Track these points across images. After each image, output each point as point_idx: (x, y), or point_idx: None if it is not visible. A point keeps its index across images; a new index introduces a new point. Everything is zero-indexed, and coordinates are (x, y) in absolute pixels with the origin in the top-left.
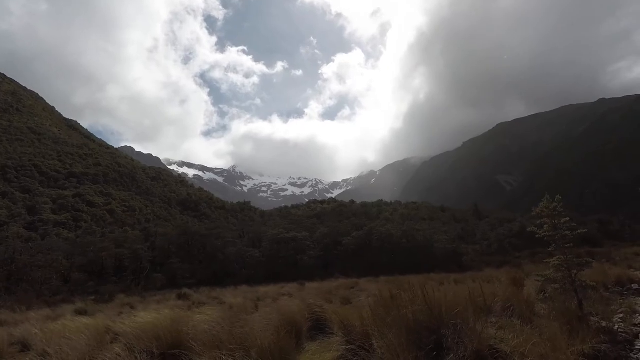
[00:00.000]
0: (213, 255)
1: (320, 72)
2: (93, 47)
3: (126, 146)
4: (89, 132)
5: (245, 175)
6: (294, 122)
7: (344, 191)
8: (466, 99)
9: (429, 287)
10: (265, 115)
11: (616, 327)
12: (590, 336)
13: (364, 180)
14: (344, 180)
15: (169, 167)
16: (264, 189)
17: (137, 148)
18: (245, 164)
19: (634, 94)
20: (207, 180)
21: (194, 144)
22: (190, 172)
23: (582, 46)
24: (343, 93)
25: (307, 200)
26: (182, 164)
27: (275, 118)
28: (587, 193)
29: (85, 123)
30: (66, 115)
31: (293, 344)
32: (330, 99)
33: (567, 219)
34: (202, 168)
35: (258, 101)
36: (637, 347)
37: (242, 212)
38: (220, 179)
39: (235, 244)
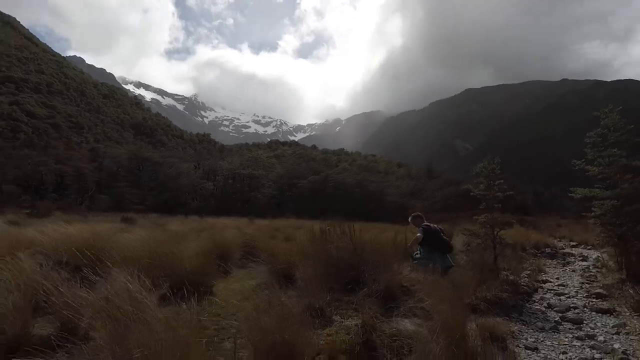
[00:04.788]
0: (165, 184)
1: (298, 1)
2: None
3: (75, 56)
4: (31, 33)
5: (207, 106)
6: (265, 56)
7: (307, 135)
8: (439, 59)
9: (357, 228)
10: (234, 43)
11: (521, 281)
12: (496, 286)
13: (329, 127)
14: (308, 125)
15: (124, 86)
16: (226, 123)
17: (89, 60)
18: (208, 93)
19: (593, 78)
20: (166, 105)
21: (154, 63)
22: (148, 95)
23: (558, 23)
24: (320, 29)
25: (269, 139)
26: (139, 84)
27: (245, 47)
28: (536, 167)
29: (23, 20)
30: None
31: (213, 269)
32: (308, 34)
33: (501, 181)
34: (161, 92)
35: (230, 21)
36: (533, 299)
37: (201, 143)
38: (180, 107)
39: (189, 175)
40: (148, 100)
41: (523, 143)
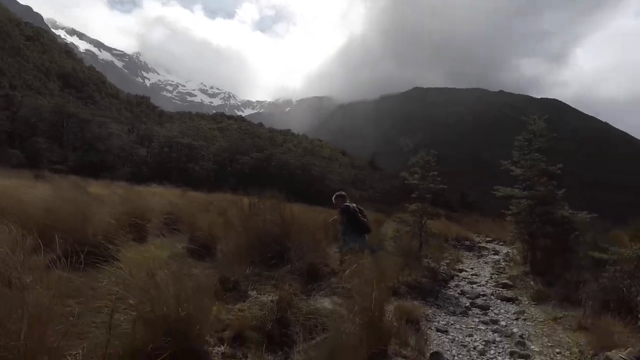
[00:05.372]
0: (92, 144)
1: None
2: None
3: None
4: None
5: (149, 67)
6: (221, 22)
7: (255, 112)
8: (395, 53)
9: (293, 208)
10: (188, 3)
11: (441, 268)
12: (417, 271)
13: (278, 106)
14: (258, 102)
15: (54, 30)
16: (169, 88)
17: None
18: (152, 53)
19: (525, 93)
20: (102, 60)
21: (93, 11)
22: (82, 45)
23: (508, 36)
24: (281, 5)
25: (214, 111)
26: (72, 31)
27: (199, 9)
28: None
29: None
30: None
31: (126, 235)
32: (269, 7)
33: (435, 172)
34: (98, 44)
35: None
36: (449, 285)
37: (139, 106)
38: (119, 63)
39: (121, 138)
40: (82, 50)
41: (460, 146)
